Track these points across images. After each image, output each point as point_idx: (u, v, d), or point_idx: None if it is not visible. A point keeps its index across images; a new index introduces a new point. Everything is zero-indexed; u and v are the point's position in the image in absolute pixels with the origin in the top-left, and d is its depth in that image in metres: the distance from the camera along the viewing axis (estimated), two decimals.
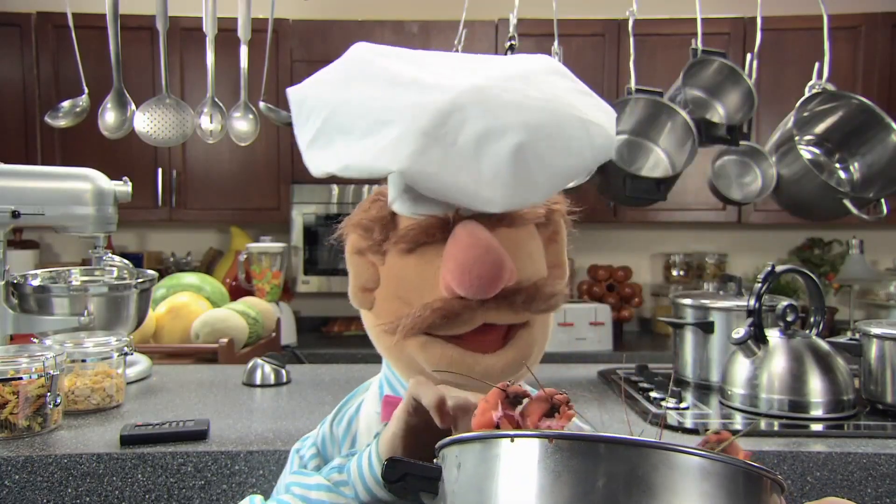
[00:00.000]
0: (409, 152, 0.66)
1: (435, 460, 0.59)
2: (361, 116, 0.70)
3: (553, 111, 0.72)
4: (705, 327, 1.70)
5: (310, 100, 0.76)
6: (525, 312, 0.75)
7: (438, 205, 0.72)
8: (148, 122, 1.88)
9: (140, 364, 1.74)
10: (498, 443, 0.52)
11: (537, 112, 0.71)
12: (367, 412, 0.85)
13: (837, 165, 1.89)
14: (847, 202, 1.69)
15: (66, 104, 1.89)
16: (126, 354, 1.51)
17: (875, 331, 1.47)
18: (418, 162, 0.66)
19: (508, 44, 1.86)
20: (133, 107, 1.87)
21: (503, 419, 0.60)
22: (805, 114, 1.83)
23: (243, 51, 1.90)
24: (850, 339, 1.53)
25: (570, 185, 0.82)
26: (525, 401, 0.61)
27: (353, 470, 0.71)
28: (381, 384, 0.86)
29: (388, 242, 0.76)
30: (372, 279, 0.79)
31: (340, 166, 0.70)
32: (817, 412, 1.42)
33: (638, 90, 1.83)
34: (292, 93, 0.78)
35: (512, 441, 0.52)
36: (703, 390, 1.68)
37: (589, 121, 0.74)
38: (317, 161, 0.73)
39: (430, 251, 0.74)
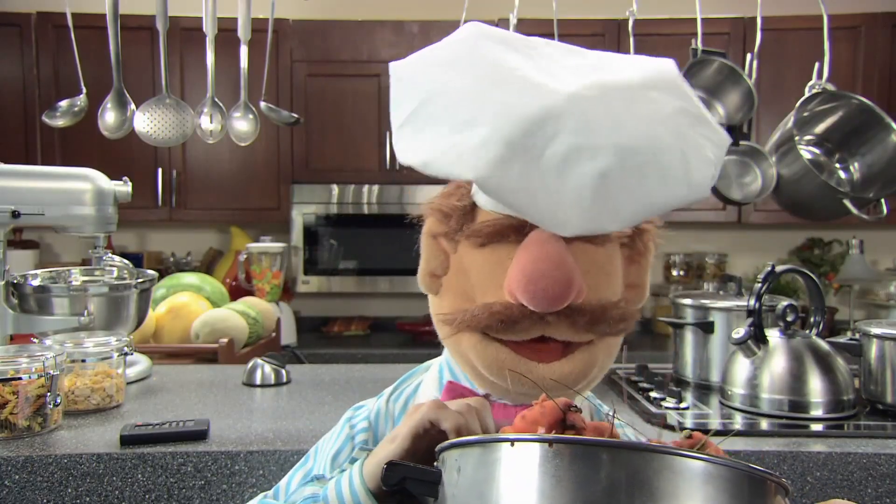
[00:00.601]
0: (489, 161, 0.63)
1: (435, 463, 0.59)
2: (452, 110, 0.67)
3: (653, 136, 0.67)
4: (705, 327, 1.70)
5: (408, 79, 0.72)
6: (586, 333, 0.73)
7: None
8: (148, 122, 1.88)
9: (140, 364, 1.74)
10: (498, 447, 0.52)
11: (635, 134, 0.66)
12: (425, 394, 0.85)
13: (837, 165, 1.89)
14: (847, 202, 1.69)
15: (63, 104, 1.89)
16: (126, 354, 1.51)
17: (875, 331, 1.47)
18: (497, 173, 0.63)
19: None
20: (133, 107, 1.87)
21: None
22: (805, 114, 1.83)
23: (243, 51, 1.90)
24: (850, 339, 1.53)
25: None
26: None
27: (330, 496, 0.69)
28: (441, 368, 0.85)
29: (462, 233, 0.75)
30: (441, 266, 0.78)
31: (421, 162, 0.68)
32: (817, 412, 1.42)
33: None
34: (394, 68, 0.73)
35: (512, 445, 0.51)
36: (703, 390, 1.68)
37: (691, 152, 0.68)
38: (403, 148, 0.70)
39: (501, 250, 0.72)
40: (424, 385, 0.87)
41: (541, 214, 0.66)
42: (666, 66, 0.75)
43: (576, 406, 0.61)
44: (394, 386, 0.89)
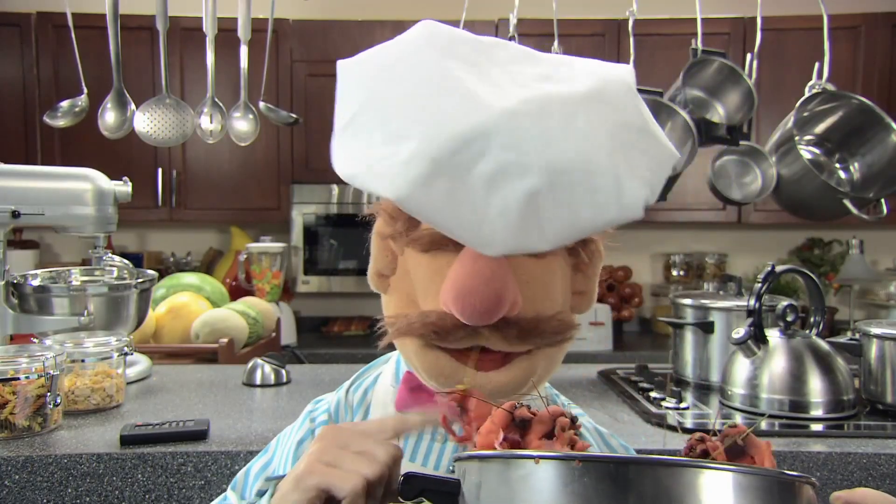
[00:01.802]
0: (412, 179, 0.62)
1: (451, 469, 0.58)
2: (386, 120, 0.66)
3: (586, 155, 0.64)
4: (705, 327, 1.70)
5: (353, 79, 0.70)
6: (520, 345, 0.73)
7: None
8: (148, 122, 1.88)
9: (140, 364, 1.74)
10: (523, 464, 0.51)
11: (567, 153, 0.64)
12: (383, 385, 0.86)
13: (837, 165, 1.89)
14: (847, 202, 1.69)
15: (64, 104, 1.90)
16: (126, 354, 1.51)
17: (875, 331, 1.47)
18: (420, 192, 0.62)
19: None
20: (133, 107, 1.87)
21: (504, 444, 0.58)
22: (805, 114, 1.83)
23: (243, 51, 1.90)
24: (850, 339, 1.53)
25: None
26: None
27: None
28: (399, 360, 0.86)
29: (407, 236, 0.75)
30: (388, 266, 0.79)
31: (349, 174, 0.66)
32: (817, 412, 1.42)
33: (638, 90, 1.82)
34: (341, 65, 0.71)
35: (537, 462, 0.50)
36: (703, 390, 1.68)
37: (624, 173, 0.66)
38: (338, 155, 0.69)
39: (441, 258, 0.72)
40: (383, 377, 0.88)
41: (465, 233, 0.64)
42: (619, 74, 0.73)
43: (521, 403, 0.61)
44: (353, 378, 0.91)
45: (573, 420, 0.59)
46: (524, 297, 0.71)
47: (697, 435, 0.60)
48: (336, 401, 0.88)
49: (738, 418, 1.45)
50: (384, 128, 0.65)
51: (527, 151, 0.63)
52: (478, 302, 0.67)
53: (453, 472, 0.57)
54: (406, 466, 0.79)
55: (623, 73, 0.74)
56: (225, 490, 1.21)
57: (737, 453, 0.58)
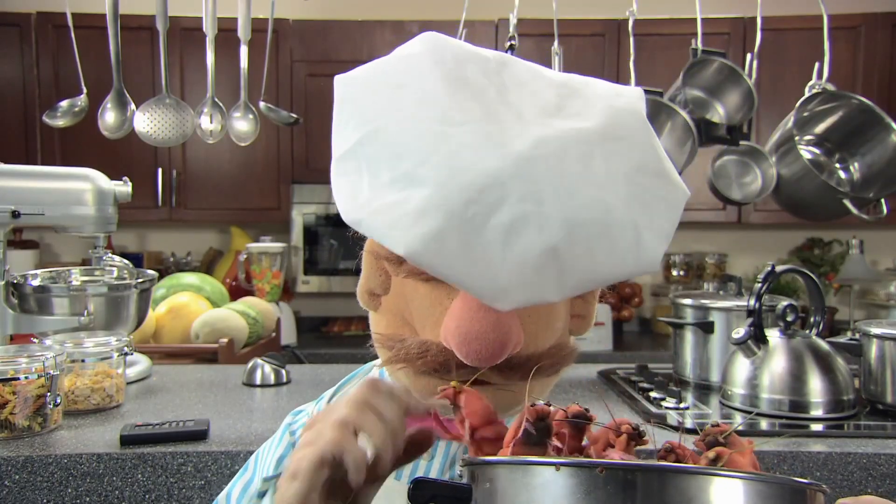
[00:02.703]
0: (425, 235, 0.59)
1: (459, 473, 0.57)
2: (394, 156, 0.62)
3: (604, 205, 0.62)
4: (705, 327, 1.70)
5: (352, 100, 0.68)
6: (517, 379, 0.71)
7: None
8: (148, 122, 1.88)
9: (140, 364, 1.74)
10: (542, 470, 0.50)
11: (587, 203, 0.62)
12: None
13: (837, 165, 1.89)
14: (847, 202, 1.69)
15: (64, 104, 1.89)
16: (126, 354, 1.51)
17: (875, 331, 1.47)
18: (432, 247, 0.59)
19: (508, 44, 1.86)
20: (133, 107, 1.87)
21: (519, 448, 0.56)
22: (805, 114, 1.83)
23: (243, 51, 1.90)
24: (850, 339, 1.53)
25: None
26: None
27: None
28: (383, 371, 0.85)
29: (404, 268, 0.71)
30: (381, 286, 0.76)
31: (354, 220, 0.63)
32: (817, 412, 1.42)
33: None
34: (339, 80, 0.69)
35: (557, 469, 0.49)
36: (703, 390, 1.68)
37: (643, 226, 0.64)
38: (340, 190, 0.66)
39: (442, 289, 0.70)
40: None
41: (478, 286, 0.61)
42: (631, 102, 0.71)
43: (535, 401, 0.59)
44: (335, 388, 0.88)
45: (639, 433, 0.57)
46: (526, 332, 0.70)
47: (666, 444, 0.58)
48: (317, 411, 0.86)
49: (738, 418, 1.45)
50: (391, 166, 0.62)
51: (544, 202, 0.60)
52: (483, 348, 0.65)
53: (461, 476, 0.57)
54: (391, 484, 0.78)
55: (634, 101, 0.72)
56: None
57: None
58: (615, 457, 0.56)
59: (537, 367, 0.71)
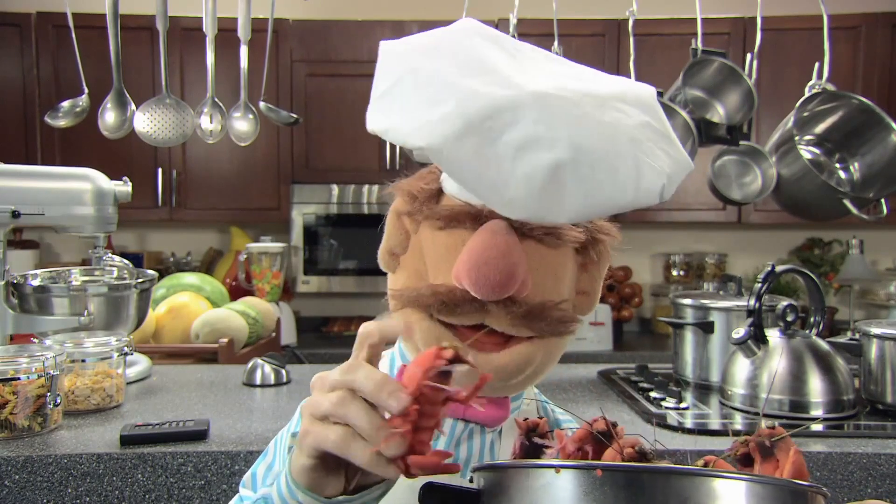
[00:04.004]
0: (445, 134, 0.65)
1: (471, 478, 0.58)
2: (423, 89, 0.69)
3: (609, 138, 0.69)
4: (705, 327, 1.70)
5: (393, 58, 0.74)
6: (523, 327, 0.73)
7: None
8: (148, 122, 1.88)
9: (140, 364, 1.74)
10: (543, 473, 0.51)
11: (592, 134, 0.68)
12: None
13: (837, 165, 1.89)
14: (847, 202, 1.69)
15: (65, 104, 1.90)
16: (126, 354, 1.51)
17: (875, 331, 1.47)
18: (450, 146, 0.65)
19: None
20: (133, 107, 1.87)
21: (522, 450, 0.58)
22: (805, 114, 1.83)
23: (243, 51, 1.90)
24: (850, 339, 1.53)
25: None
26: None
27: (274, 496, 0.67)
28: (393, 356, 0.86)
29: (424, 213, 0.76)
30: (400, 244, 0.79)
31: (383, 128, 0.70)
32: (817, 412, 1.42)
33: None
34: (383, 45, 0.75)
35: (558, 472, 0.50)
36: (703, 390, 1.68)
37: (644, 160, 0.70)
38: (372, 116, 0.72)
39: (457, 236, 0.73)
40: None
41: (488, 193, 0.67)
42: (645, 89, 0.77)
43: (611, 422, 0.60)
44: None
45: (644, 454, 0.58)
46: (534, 282, 0.72)
47: (742, 439, 0.61)
48: None
49: (738, 418, 1.45)
50: (420, 96, 0.68)
51: (555, 127, 0.66)
52: (492, 273, 0.68)
53: (472, 481, 0.57)
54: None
55: (647, 88, 0.77)
56: (225, 490, 1.22)
57: (765, 454, 0.59)
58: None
59: (543, 317, 0.73)
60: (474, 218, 0.72)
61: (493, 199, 0.67)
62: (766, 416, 1.44)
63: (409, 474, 0.55)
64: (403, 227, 0.80)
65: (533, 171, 0.66)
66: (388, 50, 0.74)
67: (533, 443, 0.59)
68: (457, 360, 0.56)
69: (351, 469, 0.62)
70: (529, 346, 0.74)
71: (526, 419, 0.60)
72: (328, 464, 0.60)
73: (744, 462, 0.61)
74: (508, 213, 0.68)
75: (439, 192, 0.78)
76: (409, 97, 0.69)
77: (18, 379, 1.26)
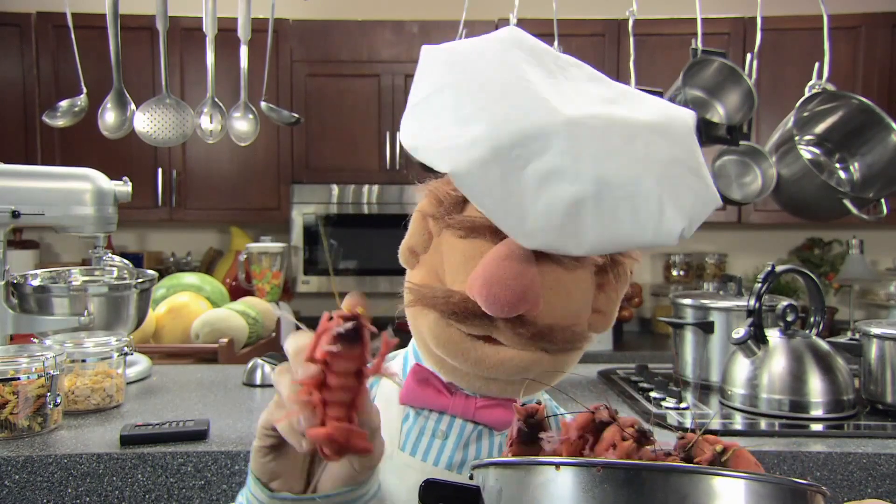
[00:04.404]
0: (471, 160, 0.66)
1: (471, 476, 0.58)
2: (458, 105, 0.69)
3: (636, 176, 0.68)
4: (705, 327, 1.70)
5: (432, 65, 0.74)
6: (529, 346, 0.74)
7: None
8: (148, 122, 1.88)
9: (140, 364, 1.74)
10: (543, 470, 0.51)
11: (619, 168, 0.68)
12: (388, 383, 0.86)
13: (837, 165, 1.89)
14: (847, 202, 1.69)
15: (64, 104, 1.89)
16: (126, 354, 1.51)
17: (875, 331, 1.47)
18: (475, 172, 0.66)
19: None
20: (133, 107, 1.87)
21: (517, 448, 0.58)
22: (805, 114, 1.83)
23: (243, 51, 1.90)
24: (850, 339, 1.53)
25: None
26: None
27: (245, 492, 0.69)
28: (407, 356, 0.87)
29: (448, 220, 0.77)
30: (422, 244, 0.81)
31: (412, 145, 0.70)
32: (817, 412, 1.42)
33: (638, 90, 1.83)
34: (425, 49, 0.76)
35: (558, 469, 0.50)
36: (703, 390, 1.68)
37: (667, 203, 0.69)
38: (405, 129, 0.73)
39: (477, 246, 0.74)
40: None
41: (509, 221, 0.67)
42: (683, 117, 0.76)
43: (606, 406, 0.60)
44: None
45: (645, 434, 0.58)
46: (546, 302, 0.72)
47: (673, 445, 0.59)
48: None
49: (739, 418, 1.45)
50: (453, 112, 0.69)
51: (582, 160, 0.66)
52: (502, 293, 0.68)
53: (472, 478, 0.57)
54: (405, 460, 0.78)
55: (686, 116, 0.76)
56: (225, 490, 1.22)
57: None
58: (613, 457, 0.56)
59: (549, 338, 0.74)
60: (494, 232, 0.72)
61: (512, 228, 0.68)
62: (766, 415, 1.44)
63: (323, 454, 0.54)
64: (427, 228, 0.80)
65: (554, 205, 0.66)
66: (430, 56, 0.75)
67: (530, 428, 0.59)
68: (354, 324, 0.55)
69: (313, 467, 0.63)
70: (539, 354, 0.75)
71: (524, 404, 0.60)
72: (281, 452, 0.62)
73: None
74: (527, 243, 0.68)
75: (465, 200, 0.77)
76: (441, 112, 0.70)
77: (18, 379, 1.26)
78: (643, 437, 0.57)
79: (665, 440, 0.59)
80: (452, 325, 0.75)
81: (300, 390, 0.55)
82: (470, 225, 0.74)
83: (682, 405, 1.52)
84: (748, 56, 1.87)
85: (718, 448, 0.57)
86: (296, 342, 0.60)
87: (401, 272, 0.84)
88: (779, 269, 1.53)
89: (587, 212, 0.67)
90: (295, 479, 0.64)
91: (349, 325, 0.56)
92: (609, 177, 0.67)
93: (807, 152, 1.86)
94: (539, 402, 0.63)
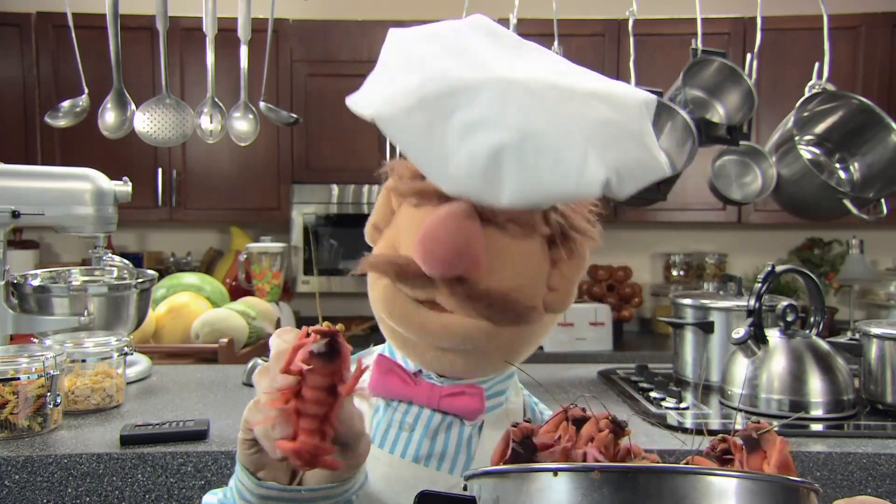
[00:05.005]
0: (397, 107, 0.67)
1: (465, 488, 0.58)
2: (403, 68, 0.71)
3: (561, 127, 0.67)
4: (705, 327, 1.70)
5: (393, 44, 0.76)
6: (466, 307, 0.73)
7: None
8: (148, 122, 1.88)
9: (140, 364, 1.74)
10: (540, 477, 0.51)
11: (544, 121, 0.67)
12: (364, 378, 0.86)
13: (837, 165, 1.89)
14: (847, 202, 1.69)
15: (65, 104, 1.90)
16: (126, 354, 1.51)
17: (875, 331, 1.47)
18: (400, 118, 0.67)
19: None
20: (133, 107, 1.87)
21: (511, 456, 0.58)
22: (805, 114, 1.83)
23: (243, 51, 1.90)
24: (850, 339, 1.53)
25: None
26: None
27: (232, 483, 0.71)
28: (383, 351, 0.87)
29: (400, 187, 0.79)
30: (384, 219, 0.83)
31: (350, 101, 0.71)
32: (817, 412, 1.42)
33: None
34: (391, 32, 0.77)
35: (555, 475, 0.50)
36: (703, 390, 1.68)
37: (592, 156, 0.67)
38: (354, 96, 0.73)
39: (426, 212, 0.75)
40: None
41: (431, 166, 0.68)
42: (638, 94, 0.74)
43: (575, 404, 0.60)
44: None
45: (620, 426, 0.58)
46: (490, 268, 0.72)
47: (720, 436, 0.61)
48: None
49: (739, 418, 1.45)
50: (398, 73, 0.70)
51: (509, 112, 0.66)
52: (438, 250, 0.69)
53: (465, 489, 0.57)
54: (374, 453, 0.79)
55: (641, 94, 0.74)
56: None
57: (752, 447, 0.59)
58: (593, 452, 0.57)
59: (487, 302, 0.74)
60: (441, 197, 0.73)
61: (435, 174, 0.68)
62: (767, 416, 1.43)
63: (295, 463, 0.56)
64: (390, 203, 0.83)
65: (476, 152, 0.66)
66: (393, 37, 0.76)
67: (527, 451, 0.59)
68: (328, 343, 0.56)
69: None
70: (485, 324, 0.74)
71: (516, 424, 0.59)
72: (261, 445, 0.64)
73: (722, 460, 0.62)
74: (448, 188, 0.68)
75: (422, 175, 0.78)
76: (388, 76, 0.71)
77: (18, 379, 1.26)
78: (618, 429, 0.58)
79: (662, 438, 0.59)
80: (400, 290, 0.76)
81: (276, 398, 0.56)
82: (419, 190, 0.76)
83: (682, 405, 1.52)
84: (748, 56, 1.87)
85: (754, 433, 0.58)
86: (278, 343, 0.61)
87: None
88: (779, 269, 1.53)
89: (509, 160, 0.66)
90: (281, 470, 0.65)
91: (322, 344, 0.56)
92: (534, 128, 0.66)
93: (807, 152, 1.86)
94: (527, 419, 0.62)
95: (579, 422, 0.59)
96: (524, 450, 0.58)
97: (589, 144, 0.67)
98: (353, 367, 0.61)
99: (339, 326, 0.59)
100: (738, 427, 0.61)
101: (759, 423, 0.61)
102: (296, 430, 0.55)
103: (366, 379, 0.83)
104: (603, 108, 0.69)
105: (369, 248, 0.86)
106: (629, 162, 0.69)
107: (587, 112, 0.68)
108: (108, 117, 1.86)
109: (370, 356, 0.89)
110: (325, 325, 0.59)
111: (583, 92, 0.70)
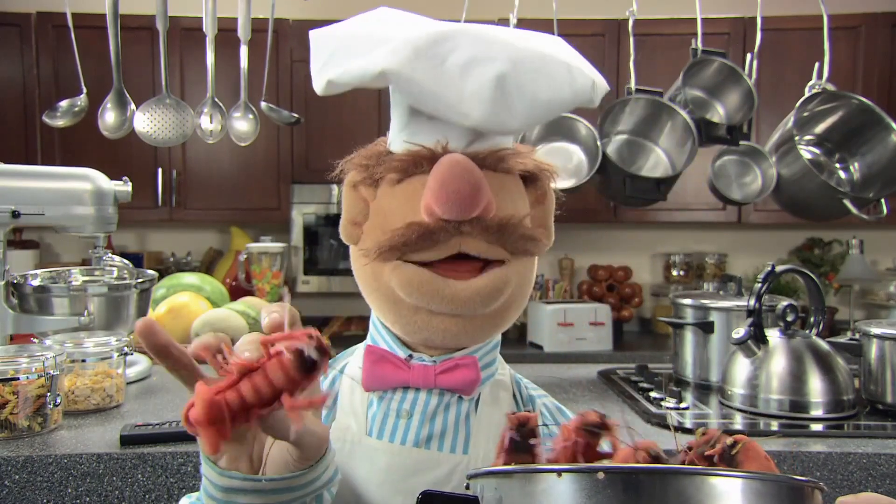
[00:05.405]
0: (400, 58, 0.71)
1: (467, 486, 0.57)
2: (364, 40, 0.75)
3: (538, 51, 0.76)
4: (705, 327, 1.70)
5: (324, 38, 0.81)
6: (499, 247, 0.76)
7: (430, 138, 0.76)
8: (148, 122, 1.88)
9: (140, 364, 1.74)
10: (544, 477, 0.50)
11: (523, 49, 0.75)
12: (350, 373, 0.87)
13: (837, 165, 1.89)
14: (847, 202, 1.69)
15: (64, 104, 1.90)
16: (126, 354, 1.51)
17: (875, 331, 1.47)
18: (406, 69, 0.71)
19: None
20: (133, 107, 1.87)
21: (511, 455, 0.58)
22: (805, 114, 1.83)
23: (243, 51, 1.90)
24: (850, 339, 1.53)
25: (549, 118, 0.83)
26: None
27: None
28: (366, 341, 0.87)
29: (379, 172, 0.80)
30: (361, 213, 0.82)
31: (326, 80, 0.75)
32: (817, 412, 1.42)
33: (638, 90, 1.83)
34: (312, 33, 0.83)
35: (559, 476, 0.49)
36: (703, 390, 1.68)
37: (572, 65, 0.77)
38: (318, 81, 0.77)
39: (416, 183, 0.76)
40: (350, 365, 0.88)
41: (447, 106, 0.72)
42: (597, 78, 0.82)
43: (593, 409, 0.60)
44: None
45: (657, 460, 0.57)
46: (496, 203, 0.75)
47: (686, 444, 0.60)
48: None
49: (739, 418, 1.45)
50: (362, 47, 0.75)
51: (490, 48, 0.73)
52: (461, 188, 0.71)
53: (468, 488, 0.57)
54: (373, 444, 0.79)
55: (598, 77, 0.83)
56: None
57: (729, 464, 0.59)
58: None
59: (511, 233, 0.77)
60: (431, 159, 0.75)
61: (452, 115, 0.73)
62: (766, 415, 1.44)
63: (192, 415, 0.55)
64: (361, 196, 0.82)
65: (480, 83, 0.72)
66: (319, 35, 0.81)
67: (522, 437, 0.59)
68: (319, 346, 0.56)
69: (255, 450, 0.64)
70: (505, 269, 0.77)
71: (514, 412, 0.60)
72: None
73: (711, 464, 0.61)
74: (467, 122, 0.73)
75: (389, 153, 0.80)
76: (353, 53, 0.75)
77: (18, 379, 1.26)
78: (656, 462, 0.56)
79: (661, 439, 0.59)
80: (417, 266, 0.75)
81: (235, 362, 0.56)
82: (409, 159, 0.77)
83: (682, 405, 1.52)
84: (748, 56, 1.87)
85: (729, 441, 0.57)
86: (266, 325, 0.63)
87: None
88: (779, 269, 1.53)
89: (510, 85, 0.73)
90: (242, 460, 0.64)
91: (313, 350, 0.56)
92: (520, 56, 0.74)
93: (807, 152, 1.86)
94: (529, 410, 0.62)
95: (594, 427, 0.59)
96: (522, 437, 0.58)
97: (569, 59, 0.78)
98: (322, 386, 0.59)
99: (325, 340, 0.59)
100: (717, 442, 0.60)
101: (705, 433, 0.59)
102: (222, 396, 0.55)
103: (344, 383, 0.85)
104: (544, 38, 0.81)
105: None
106: (591, 70, 0.80)
107: (537, 39, 0.79)
108: (108, 117, 1.86)
109: (352, 356, 0.90)
110: (325, 340, 0.58)
111: (519, 32, 0.79)
